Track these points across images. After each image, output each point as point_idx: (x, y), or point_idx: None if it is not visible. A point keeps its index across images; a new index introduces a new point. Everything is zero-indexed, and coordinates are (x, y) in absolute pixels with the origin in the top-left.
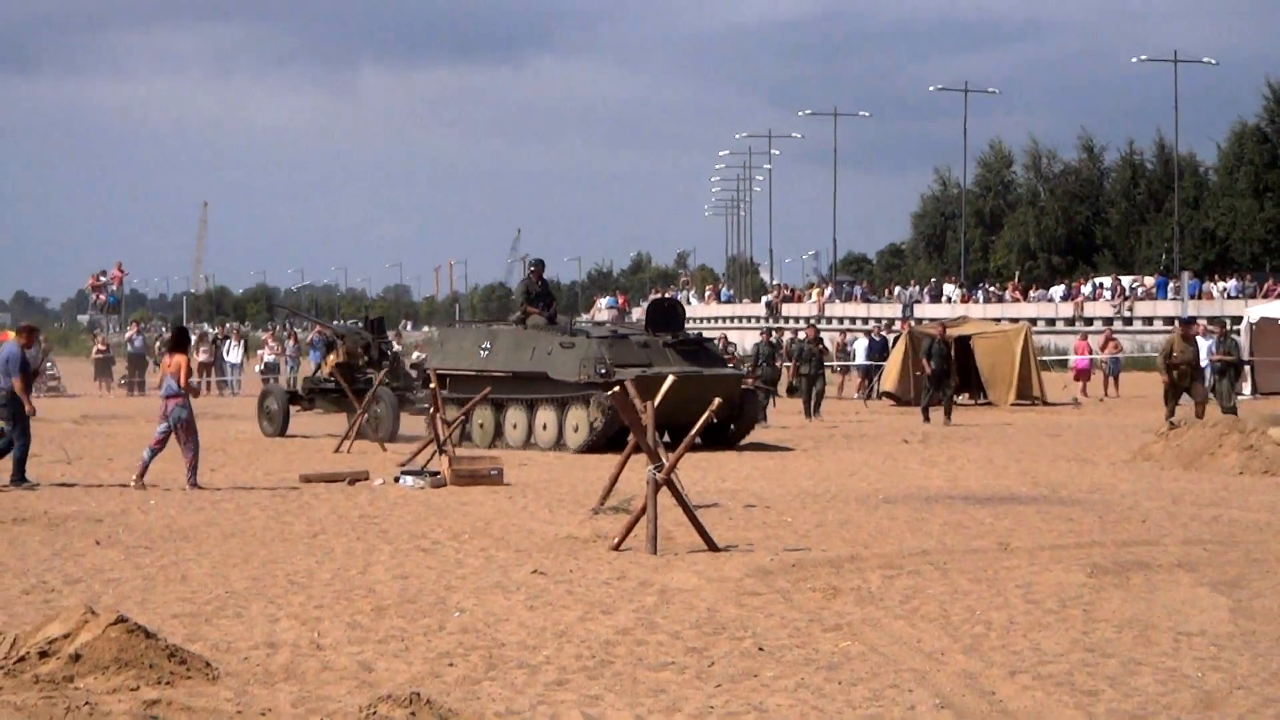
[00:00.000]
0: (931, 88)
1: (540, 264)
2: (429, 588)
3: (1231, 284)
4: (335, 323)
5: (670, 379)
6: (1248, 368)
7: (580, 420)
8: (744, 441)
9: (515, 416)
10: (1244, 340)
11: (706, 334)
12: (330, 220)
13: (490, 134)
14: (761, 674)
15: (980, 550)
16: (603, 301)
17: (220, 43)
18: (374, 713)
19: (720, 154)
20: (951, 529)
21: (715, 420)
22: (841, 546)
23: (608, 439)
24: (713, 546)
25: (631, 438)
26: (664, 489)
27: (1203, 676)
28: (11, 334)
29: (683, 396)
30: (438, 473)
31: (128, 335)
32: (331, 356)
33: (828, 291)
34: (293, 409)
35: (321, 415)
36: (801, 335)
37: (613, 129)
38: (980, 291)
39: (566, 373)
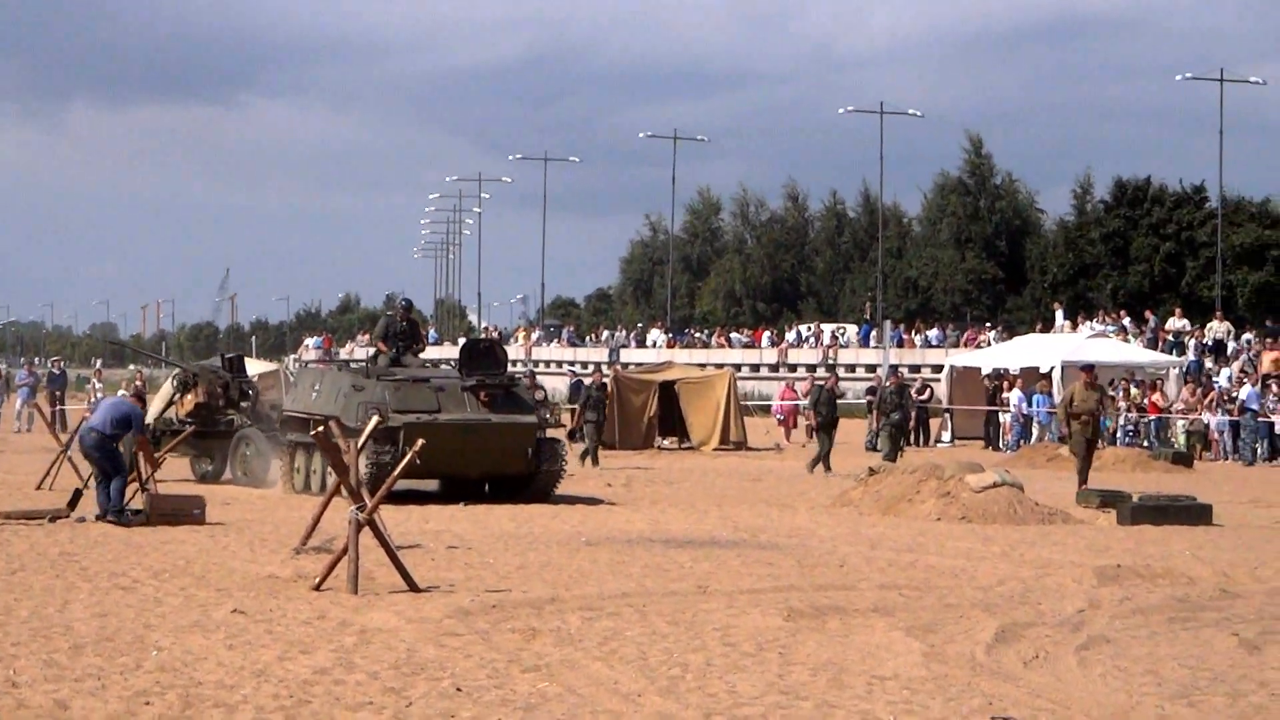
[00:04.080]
0: (642, 134)
1: (408, 303)
2: (127, 626)
3: (933, 333)
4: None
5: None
6: (945, 416)
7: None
8: (554, 493)
9: (320, 463)
10: (944, 388)
11: None
12: (36, 257)
13: (200, 173)
14: (459, 714)
15: (679, 593)
16: (310, 341)
17: None
18: None
19: (430, 197)
20: (652, 572)
21: (509, 470)
22: (542, 588)
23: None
24: (414, 587)
25: (334, 478)
26: (367, 529)
27: (895, 719)
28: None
29: (469, 445)
30: (140, 510)
31: None
32: (189, 396)
33: (535, 335)
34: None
35: (177, 458)
36: (589, 380)
37: (323, 170)
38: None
39: (351, 417)
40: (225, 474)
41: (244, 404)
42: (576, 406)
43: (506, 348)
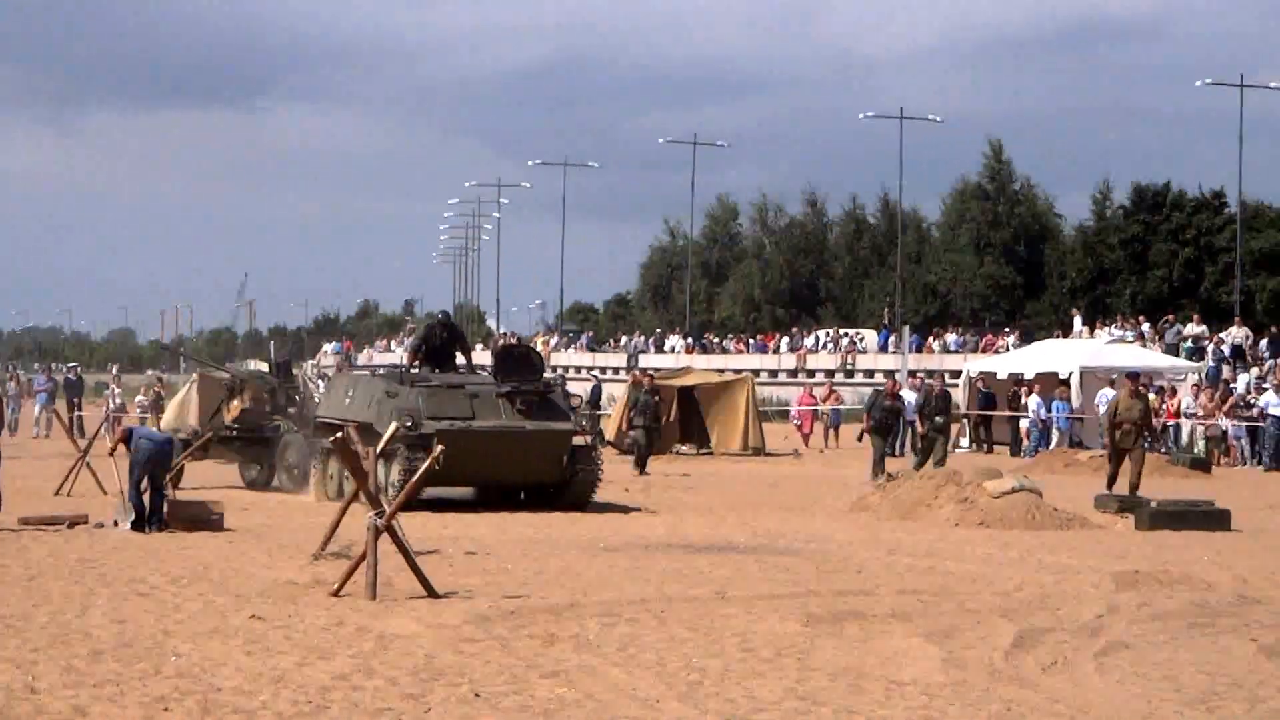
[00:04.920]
0: (661, 140)
1: (446, 315)
2: (146, 632)
3: (951, 338)
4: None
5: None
6: (964, 422)
7: (393, 475)
8: (588, 501)
9: None
10: (962, 394)
11: None
12: (54, 262)
13: (218, 178)
14: None
15: (698, 598)
16: (329, 347)
17: None
18: None
19: (449, 201)
20: (670, 577)
21: (543, 478)
22: (561, 594)
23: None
24: (432, 593)
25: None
26: (385, 535)
27: None
28: None
29: (502, 452)
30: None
31: None
32: (235, 402)
33: (554, 340)
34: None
35: (222, 465)
36: (642, 385)
37: (341, 175)
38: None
39: (384, 424)
40: (275, 480)
41: (291, 409)
42: (625, 412)
43: None
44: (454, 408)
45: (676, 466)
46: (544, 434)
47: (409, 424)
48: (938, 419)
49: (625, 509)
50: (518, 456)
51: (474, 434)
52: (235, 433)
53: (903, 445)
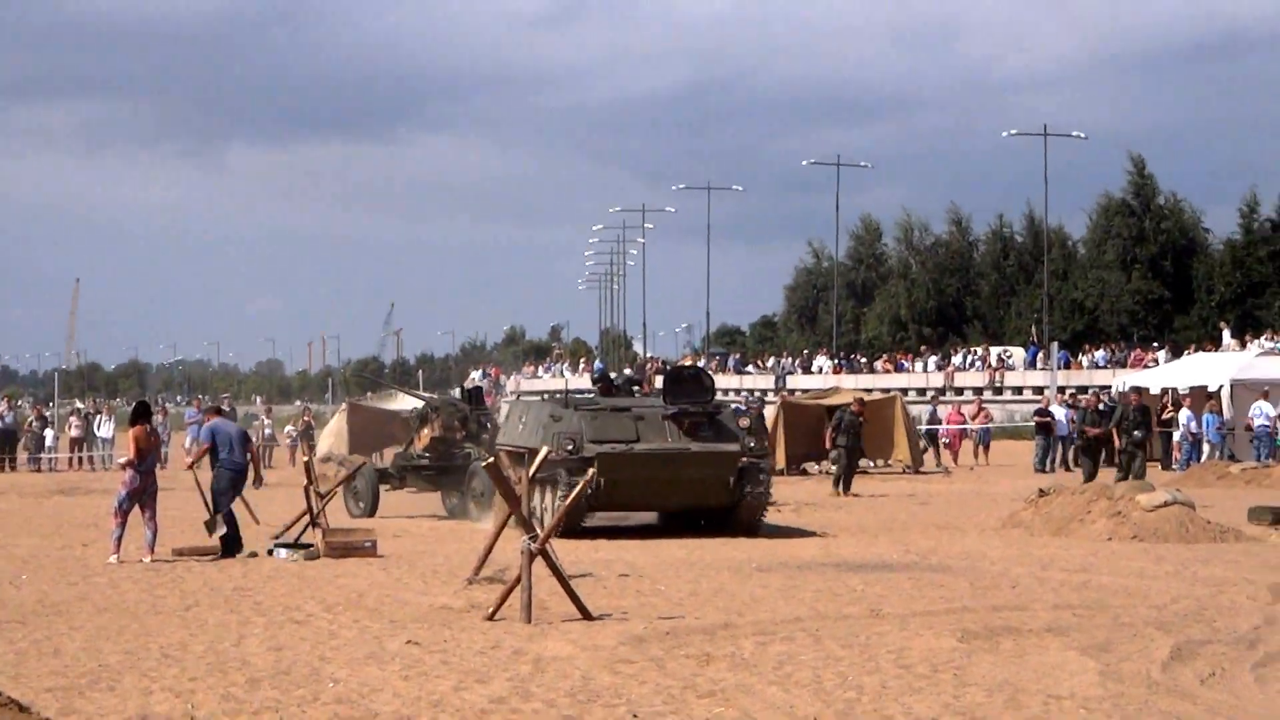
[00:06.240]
0: (804, 162)
1: (602, 372)
2: (303, 659)
3: (1100, 354)
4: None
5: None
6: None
7: (554, 500)
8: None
9: (536, 497)
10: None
11: None
12: (201, 296)
13: (360, 208)
14: None
15: (852, 617)
16: (475, 374)
17: (88, 119)
18: None
19: (594, 228)
20: (824, 596)
21: (709, 501)
22: (715, 614)
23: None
24: (587, 615)
25: (505, 507)
26: (539, 559)
27: None
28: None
29: (666, 475)
30: (311, 545)
31: None
32: (426, 430)
33: (701, 363)
34: (382, 488)
35: (414, 494)
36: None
37: (483, 202)
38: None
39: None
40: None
41: (484, 436)
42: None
43: None
44: (617, 430)
45: (828, 486)
46: (709, 455)
47: (569, 448)
48: (1136, 433)
49: (778, 530)
50: (682, 479)
51: (635, 457)
52: (427, 461)
53: (1054, 461)
